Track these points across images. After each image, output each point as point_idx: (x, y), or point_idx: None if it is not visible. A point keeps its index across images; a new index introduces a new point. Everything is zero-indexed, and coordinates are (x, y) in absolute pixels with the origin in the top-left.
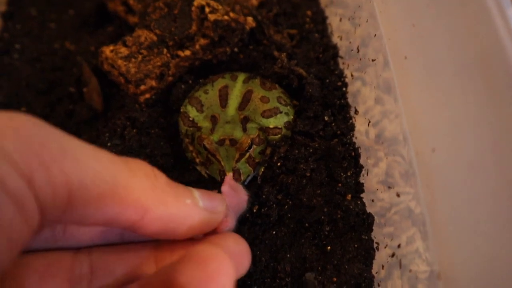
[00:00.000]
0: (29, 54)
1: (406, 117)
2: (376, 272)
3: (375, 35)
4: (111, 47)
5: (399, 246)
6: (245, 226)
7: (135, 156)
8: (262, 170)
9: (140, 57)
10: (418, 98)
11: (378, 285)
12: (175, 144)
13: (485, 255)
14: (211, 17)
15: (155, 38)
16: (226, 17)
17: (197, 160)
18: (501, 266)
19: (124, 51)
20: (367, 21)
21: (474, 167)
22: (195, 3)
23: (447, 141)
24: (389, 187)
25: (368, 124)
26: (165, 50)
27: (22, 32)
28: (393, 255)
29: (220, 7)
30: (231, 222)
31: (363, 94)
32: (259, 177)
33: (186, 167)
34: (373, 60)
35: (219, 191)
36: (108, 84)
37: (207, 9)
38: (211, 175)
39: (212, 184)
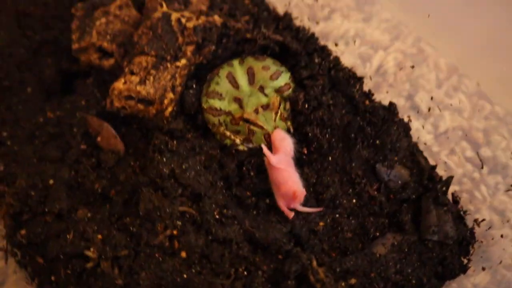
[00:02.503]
0: (20, 135)
1: None
2: (418, 136)
3: None
4: (122, 80)
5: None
6: (304, 168)
7: (192, 157)
8: (289, 123)
9: (151, 78)
10: None
11: (424, 143)
12: (209, 140)
13: None
14: (189, 24)
15: (154, 58)
16: (200, 21)
17: (238, 140)
18: None
19: (135, 78)
20: None
21: None
22: (173, 18)
23: None
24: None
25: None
26: (168, 65)
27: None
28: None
29: (191, 14)
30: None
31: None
32: (291, 128)
33: (230, 152)
34: None
35: None
36: (117, 125)
37: (183, 20)
38: (257, 143)
39: (256, 155)
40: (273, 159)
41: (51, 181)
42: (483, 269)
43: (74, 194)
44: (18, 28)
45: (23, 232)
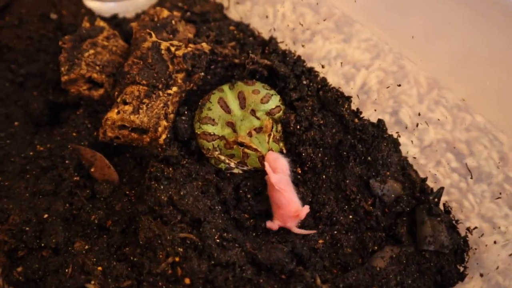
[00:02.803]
0: (11, 170)
1: None
2: (407, 151)
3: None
4: (115, 110)
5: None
6: (300, 187)
7: (189, 183)
8: (282, 145)
9: (144, 106)
10: None
11: (414, 157)
12: (204, 165)
13: None
14: (178, 53)
15: (146, 87)
16: (189, 48)
17: (233, 163)
18: None
19: (129, 108)
20: None
21: None
22: (162, 47)
23: None
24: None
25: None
26: (160, 93)
27: None
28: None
29: (180, 43)
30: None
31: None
32: (284, 149)
33: (225, 175)
34: (324, 20)
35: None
36: (109, 155)
37: (172, 48)
38: (252, 166)
39: (252, 177)
40: (273, 177)
41: (45, 215)
42: (481, 275)
43: (70, 227)
44: (2, 62)
45: (19, 269)
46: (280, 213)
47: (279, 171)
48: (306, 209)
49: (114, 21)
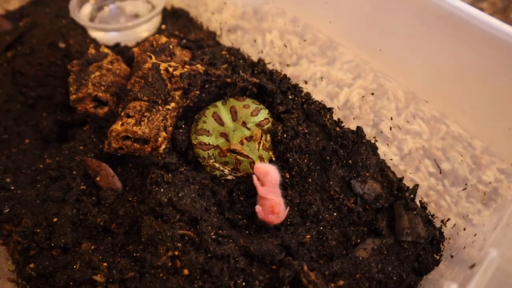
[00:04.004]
0: (23, 180)
1: None
2: (385, 155)
3: (301, 30)
4: (119, 122)
5: (381, 132)
6: (288, 190)
7: (187, 187)
8: (271, 153)
9: (145, 119)
10: None
11: (391, 159)
12: (200, 172)
13: None
14: (176, 73)
15: (147, 103)
16: (185, 69)
17: (227, 170)
18: None
19: (131, 120)
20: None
21: None
22: (161, 67)
23: None
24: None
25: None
26: (160, 108)
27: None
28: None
29: (177, 64)
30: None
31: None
32: (273, 157)
33: (220, 181)
34: (307, 44)
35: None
36: (113, 165)
37: (170, 69)
38: (244, 172)
39: (244, 182)
40: (261, 190)
41: (55, 219)
42: (451, 256)
43: (77, 229)
44: (15, 86)
45: (32, 265)
46: (264, 209)
47: (268, 184)
48: (283, 210)
49: (117, 48)
